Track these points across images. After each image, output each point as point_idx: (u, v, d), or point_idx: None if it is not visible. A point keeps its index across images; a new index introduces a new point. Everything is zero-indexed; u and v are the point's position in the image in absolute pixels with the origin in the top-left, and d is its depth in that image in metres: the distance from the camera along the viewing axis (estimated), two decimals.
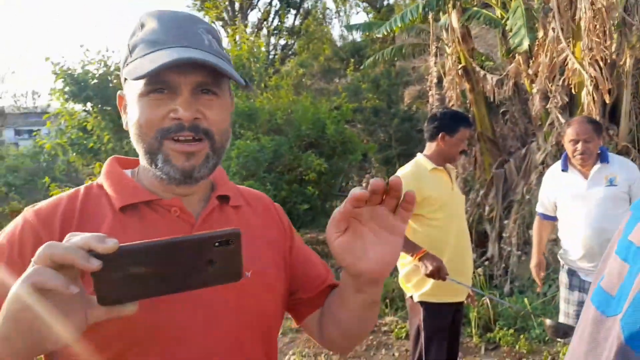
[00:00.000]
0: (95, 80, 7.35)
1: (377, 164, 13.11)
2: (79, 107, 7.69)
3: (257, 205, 0.93)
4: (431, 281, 2.21)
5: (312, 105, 7.59)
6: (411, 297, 2.34)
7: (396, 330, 4.13)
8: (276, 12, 16.25)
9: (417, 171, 2.38)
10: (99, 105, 7.40)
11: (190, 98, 0.73)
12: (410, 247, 2.20)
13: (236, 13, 15.57)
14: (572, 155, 2.51)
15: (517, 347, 3.68)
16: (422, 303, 2.29)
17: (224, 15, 15.61)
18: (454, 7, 5.45)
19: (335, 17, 23.70)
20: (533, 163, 5.59)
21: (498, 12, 6.11)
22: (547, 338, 3.70)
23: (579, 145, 2.43)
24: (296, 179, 6.97)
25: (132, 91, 0.76)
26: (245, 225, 0.83)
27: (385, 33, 5.49)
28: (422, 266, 2.15)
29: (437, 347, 2.26)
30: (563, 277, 2.69)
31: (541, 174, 5.14)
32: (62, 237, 0.68)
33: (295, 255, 0.93)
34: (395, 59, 7.18)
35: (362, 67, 7.89)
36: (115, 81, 7.52)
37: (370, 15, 18.25)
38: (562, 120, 4.72)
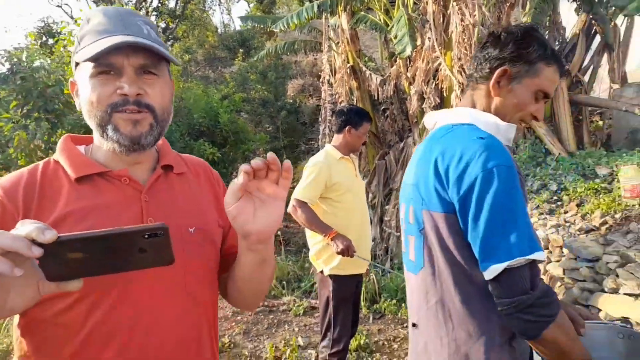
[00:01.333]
0: None
1: (264, 154, 13.30)
2: None
3: (199, 170, 1.04)
4: (339, 257, 2.47)
5: (204, 93, 7.48)
6: (321, 271, 2.58)
7: (294, 308, 4.41)
8: None
9: (327, 160, 2.59)
10: None
11: (134, 77, 0.84)
12: (323, 228, 2.44)
13: None
14: None
15: (399, 314, 4.22)
16: (331, 276, 2.54)
17: None
18: (344, 9, 5.87)
19: (217, 4, 23.10)
20: (409, 156, 6.30)
21: (380, 17, 6.73)
22: None
23: None
24: None
25: (82, 75, 0.86)
26: (188, 189, 0.97)
27: (282, 28, 5.71)
28: (333, 245, 2.39)
29: (343, 314, 2.55)
30: None
31: None
32: (25, 205, 0.83)
33: (225, 219, 1.07)
34: (287, 53, 7.42)
35: (254, 59, 7.94)
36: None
37: (252, 5, 18.25)
38: None
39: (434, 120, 1.28)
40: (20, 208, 0.82)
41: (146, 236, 0.65)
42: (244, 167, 0.76)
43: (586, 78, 6.06)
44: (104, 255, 0.65)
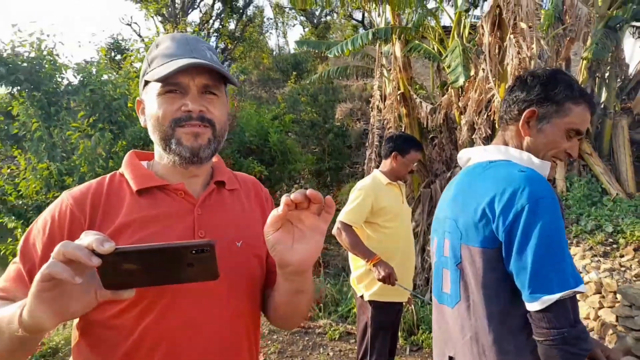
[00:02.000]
0: (26, 64, 6.90)
1: (309, 175, 13.45)
2: (1, 90, 7.14)
3: (249, 187, 1.11)
4: (380, 283, 2.45)
5: (256, 113, 7.72)
6: (362, 296, 2.57)
7: (330, 332, 4.38)
8: (218, 14, 16.17)
9: (374, 184, 2.61)
10: (27, 90, 6.94)
11: (197, 96, 0.93)
12: (366, 252, 2.44)
13: (177, 11, 15.25)
14: None
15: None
16: (371, 302, 2.52)
17: (164, 11, 15.22)
18: (399, 38, 5.95)
19: (273, 27, 23.95)
20: None
21: (434, 45, 6.75)
22: None
23: None
24: None
25: (151, 93, 0.95)
26: (238, 204, 1.04)
27: (337, 54, 5.85)
28: (375, 271, 2.38)
29: (381, 340, 2.51)
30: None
31: None
32: (91, 214, 0.91)
33: None
34: (339, 77, 7.57)
35: (306, 82, 8.15)
36: (47, 66, 7.11)
37: (307, 29, 18.79)
38: None
39: (467, 156, 1.33)
40: (87, 216, 0.91)
41: (194, 252, 0.70)
42: (284, 199, 0.78)
43: None
44: (155, 268, 0.70)
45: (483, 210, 1.10)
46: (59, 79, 7.18)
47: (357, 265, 2.61)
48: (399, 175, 2.69)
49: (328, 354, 3.97)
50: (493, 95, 4.98)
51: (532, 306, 1.03)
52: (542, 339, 1.02)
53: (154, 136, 0.96)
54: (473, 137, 5.59)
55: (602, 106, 5.38)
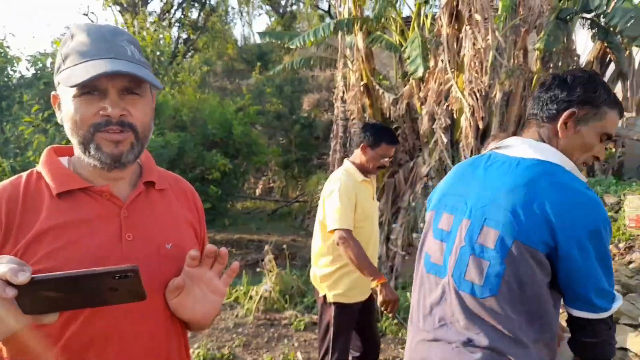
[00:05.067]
0: None
1: (276, 167, 13.41)
2: None
3: (178, 188, 1.07)
4: (344, 283, 2.38)
5: (219, 105, 7.62)
6: (324, 296, 2.46)
7: (295, 323, 4.42)
8: (179, 4, 15.78)
9: (352, 182, 2.42)
10: None
11: (117, 98, 0.87)
12: (373, 270, 2.27)
13: (136, 0, 14.79)
14: None
15: (400, 334, 4.20)
16: (334, 303, 2.41)
17: (122, 0, 14.73)
18: (360, 29, 5.97)
19: (238, 17, 23.56)
20: (418, 175, 6.32)
21: (396, 37, 6.81)
22: None
23: None
24: (199, 178, 6.96)
25: (66, 93, 0.88)
26: (168, 205, 1.01)
27: (300, 45, 5.83)
28: (381, 292, 2.20)
29: (343, 342, 2.44)
30: (417, 279, 3.09)
31: (425, 185, 5.88)
32: (7, 220, 0.85)
33: (201, 240, 1.08)
34: (304, 68, 7.55)
35: (271, 73, 8.08)
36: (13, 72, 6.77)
37: (273, 19, 18.60)
38: (445, 140, 5.47)
39: (510, 143, 1.29)
40: (2, 222, 0.85)
41: (117, 277, 0.68)
42: (191, 253, 0.88)
43: None
44: (76, 294, 0.69)
45: (546, 215, 1.11)
46: (11, 72, 6.88)
47: (322, 263, 2.49)
48: (367, 168, 2.48)
49: (293, 345, 4.01)
50: (451, 86, 5.09)
51: (603, 314, 1.15)
52: (599, 340, 1.17)
53: (72, 138, 0.90)
54: (434, 127, 5.71)
55: None
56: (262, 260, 5.49)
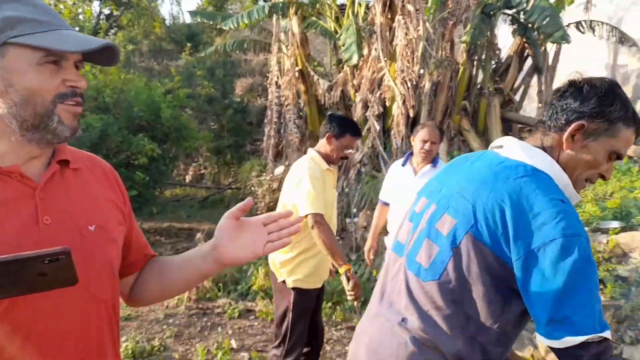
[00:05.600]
0: None
1: (207, 153, 13.03)
2: None
3: (95, 168, 1.00)
4: (304, 269, 2.41)
5: (146, 86, 7.22)
6: (283, 281, 2.47)
7: (229, 311, 4.35)
8: None
9: (318, 169, 2.45)
10: None
11: (76, 70, 0.85)
12: (341, 256, 2.32)
13: None
14: (419, 152, 2.97)
15: (333, 317, 4.29)
16: (293, 288, 2.43)
17: None
18: (295, 13, 5.91)
19: None
20: (352, 162, 6.43)
21: (331, 24, 6.83)
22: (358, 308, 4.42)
23: (427, 145, 2.92)
24: (124, 163, 6.57)
25: (20, 60, 0.80)
26: (85, 185, 0.94)
27: (232, 27, 5.65)
28: (349, 280, 2.28)
29: (302, 326, 2.47)
30: (386, 257, 3.22)
31: (359, 171, 6.00)
32: None
33: (129, 218, 1.04)
34: (237, 51, 7.34)
35: (202, 55, 7.79)
36: None
37: None
38: (377, 127, 5.61)
39: (504, 143, 1.23)
40: None
41: (47, 261, 0.63)
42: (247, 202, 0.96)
43: (518, 97, 6.48)
44: (0, 281, 0.63)
45: (505, 218, 1.04)
46: None
47: (282, 250, 2.45)
48: (331, 158, 2.53)
49: (227, 333, 3.95)
50: (384, 74, 5.20)
51: (554, 344, 0.99)
52: None
53: (23, 109, 0.81)
54: (367, 114, 5.82)
55: (479, 87, 5.91)
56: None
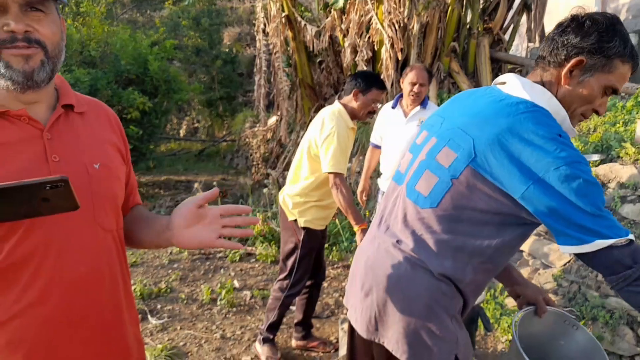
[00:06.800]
0: None
1: (200, 106, 12.94)
2: None
3: (99, 111, 1.07)
4: (315, 213, 2.58)
5: (131, 38, 7.08)
6: (295, 220, 2.61)
7: (230, 255, 4.57)
8: None
9: (345, 127, 2.50)
10: None
11: (20, 14, 0.84)
12: (358, 216, 2.42)
13: None
14: (408, 94, 3.04)
15: (330, 257, 4.52)
16: (304, 228, 2.61)
17: None
18: None
19: None
20: None
21: None
22: (352, 248, 4.65)
23: (416, 87, 2.99)
24: None
25: None
26: (90, 127, 1.00)
27: None
28: (360, 236, 2.39)
29: (308, 261, 2.67)
30: (379, 199, 3.31)
31: None
32: None
33: (128, 162, 1.11)
34: None
35: (185, 3, 7.57)
36: None
37: None
38: None
39: (506, 79, 1.27)
40: None
41: (47, 187, 0.72)
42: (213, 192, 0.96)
43: (507, 37, 6.44)
44: (7, 205, 0.72)
45: (509, 150, 1.09)
46: None
47: (295, 192, 2.63)
48: (358, 114, 2.61)
49: (230, 274, 4.18)
50: (372, 17, 5.14)
51: (584, 248, 1.05)
52: (617, 279, 1.07)
53: None
54: (356, 59, 5.80)
55: (468, 27, 5.85)
56: None
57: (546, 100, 1.16)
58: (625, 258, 1.03)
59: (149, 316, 3.36)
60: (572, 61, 1.14)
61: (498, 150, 1.09)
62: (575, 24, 1.16)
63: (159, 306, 3.56)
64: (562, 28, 1.18)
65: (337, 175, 2.42)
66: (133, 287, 3.72)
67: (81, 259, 0.93)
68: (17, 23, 0.83)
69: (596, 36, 1.11)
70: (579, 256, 1.08)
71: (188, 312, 3.47)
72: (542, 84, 1.20)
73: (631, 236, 1.04)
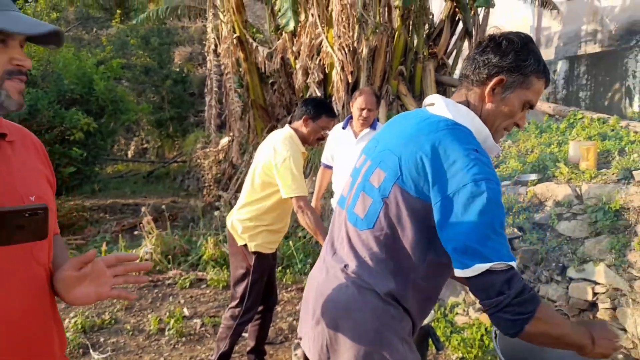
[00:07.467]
0: None
1: (149, 126, 12.59)
2: None
3: (25, 140, 1.06)
4: (265, 237, 2.56)
5: (75, 57, 6.83)
6: (245, 245, 2.59)
7: (180, 281, 4.42)
8: None
9: (298, 152, 2.52)
10: None
11: (22, 50, 0.93)
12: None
13: None
14: (357, 118, 3.13)
15: (283, 280, 4.47)
16: (254, 252, 2.58)
17: None
18: None
19: None
20: None
21: None
22: (306, 271, 4.62)
23: (364, 112, 3.08)
24: (58, 139, 6.28)
25: None
26: (21, 158, 1.00)
27: None
28: None
29: (258, 288, 2.64)
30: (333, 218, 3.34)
31: None
32: None
33: (54, 189, 1.12)
34: (171, 18, 7.07)
35: (134, 22, 7.41)
36: None
37: None
38: (319, 94, 5.68)
39: (433, 101, 1.31)
40: None
41: (27, 214, 0.73)
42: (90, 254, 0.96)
43: (450, 61, 6.75)
44: None
45: (424, 167, 1.13)
46: None
47: (244, 217, 2.60)
48: (308, 140, 2.64)
49: (179, 302, 4.03)
50: (322, 41, 5.24)
51: (466, 272, 1.07)
52: (483, 309, 1.09)
53: None
54: (307, 81, 5.87)
55: (414, 51, 6.09)
56: (140, 223, 5.28)
57: (470, 120, 1.22)
58: (501, 284, 1.05)
59: (90, 351, 3.17)
60: (494, 80, 1.21)
61: (420, 166, 1.14)
62: (494, 43, 1.23)
63: (102, 339, 3.36)
64: (482, 48, 1.25)
65: (300, 198, 2.42)
66: (74, 320, 3.51)
67: (14, 290, 0.90)
68: (27, 59, 0.92)
69: (513, 55, 1.19)
70: (464, 278, 1.10)
71: (134, 344, 3.30)
72: (467, 103, 1.26)
73: (513, 263, 1.06)
